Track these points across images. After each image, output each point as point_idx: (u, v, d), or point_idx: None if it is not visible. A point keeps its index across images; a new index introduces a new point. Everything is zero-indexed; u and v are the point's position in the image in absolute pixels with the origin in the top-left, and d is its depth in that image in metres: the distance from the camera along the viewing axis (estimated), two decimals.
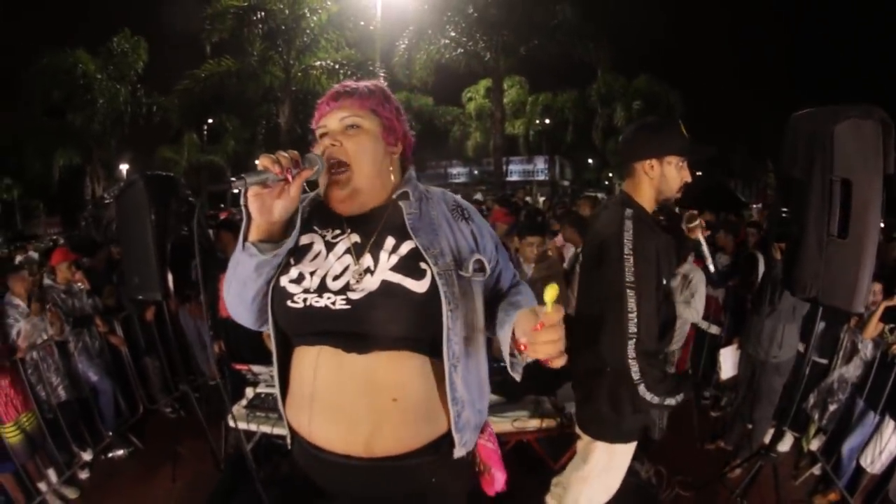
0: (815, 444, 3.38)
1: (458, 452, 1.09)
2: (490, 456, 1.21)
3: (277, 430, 2.56)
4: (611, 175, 30.05)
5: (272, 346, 3.48)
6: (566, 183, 29.62)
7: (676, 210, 1.88)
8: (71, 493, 3.02)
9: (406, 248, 1.08)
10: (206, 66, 13.57)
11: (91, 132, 16.06)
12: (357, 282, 1.04)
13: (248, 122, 21.51)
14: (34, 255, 8.20)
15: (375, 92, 1.14)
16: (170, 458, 3.14)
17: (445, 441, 1.08)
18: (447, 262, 1.07)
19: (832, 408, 3.29)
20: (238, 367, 2.86)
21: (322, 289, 1.05)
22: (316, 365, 1.06)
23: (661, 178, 1.67)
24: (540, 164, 28.14)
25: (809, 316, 3.13)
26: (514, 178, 26.20)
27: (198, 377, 4.44)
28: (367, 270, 1.06)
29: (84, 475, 3.19)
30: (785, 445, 3.45)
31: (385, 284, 1.03)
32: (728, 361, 3.61)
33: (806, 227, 1.98)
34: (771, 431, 3.31)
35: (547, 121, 23.94)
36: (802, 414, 3.46)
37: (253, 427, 2.61)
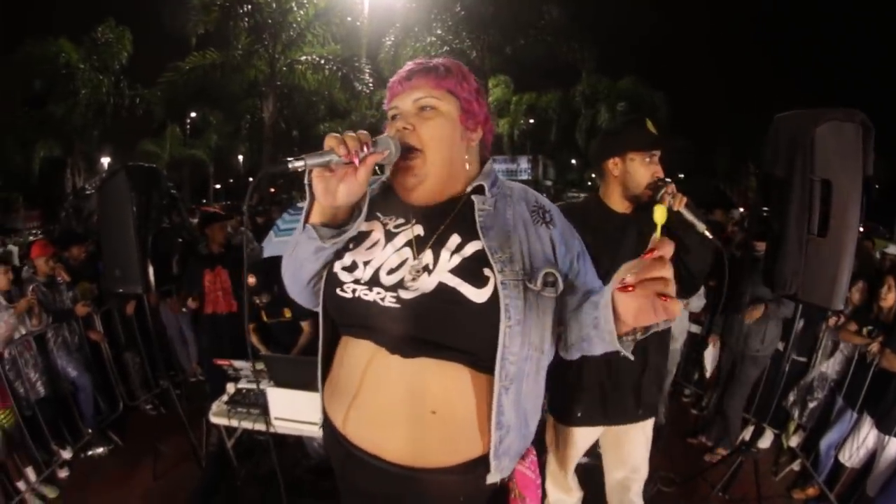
0: (794, 441, 3.43)
1: (492, 478, 0.99)
2: (528, 484, 1.08)
3: (259, 426, 2.54)
4: (593, 176, 30.11)
5: (256, 342, 3.39)
6: (549, 183, 29.71)
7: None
8: (50, 493, 2.95)
9: (471, 248, 0.98)
10: (190, 59, 13.34)
11: (72, 124, 15.65)
12: (413, 279, 0.96)
13: (232, 117, 21.30)
14: (13, 248, 8.01)
15: (453, 70, 1.03)
16: (150, 456, 3.10)
17: (482, 464, 0.98)
18: (516, 269, 0.96)
19: (811, 405, 3.35)
20: (219, 362, 2.83)
21: (373, 282, 0.97)
22: (360, 360, 1.00)
23: (624, 175, 1.71)
24: (523, 163, 28.15)
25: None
26: None
27: (178, 373, 4.40)
28: (425, 268, 0.97)
29: (63, 474, 3.12)
30: (765, 442, 3.50)
31: (441, 287, 0.94)
32: (711, 362, 3.68)
33: (787, 226, 2.03)
34: (750, 428, 3.39)
35: (531, 120, 24.03)
36: (782, 411, 3.52)
37: (234, 423, 2.59)
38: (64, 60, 14.71)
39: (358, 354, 1.01)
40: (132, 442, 3.49)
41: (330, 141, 0.89)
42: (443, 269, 0.96)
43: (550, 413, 1.95)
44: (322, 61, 13.61)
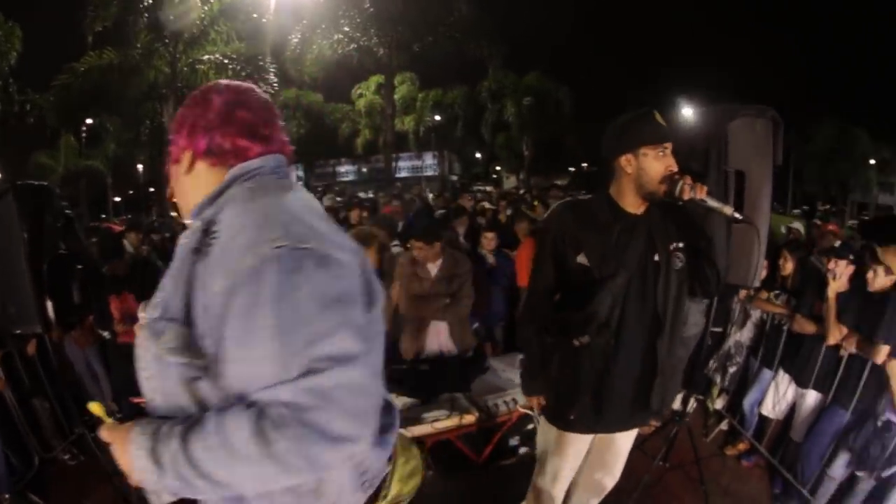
0: (719, 404, 3.76)
1: None
2: None
3: None
4: (498, 168, 31.21)
5: None
6: (454, 177, 30.18)
7: None
8: None
9: None
10: (85, 59, 12.10)
11: None
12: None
13: (131, 123, 19.70)
14: None
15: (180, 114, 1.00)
16: None
17: None
18: (154, 315, 0.86)
19: (732, 370, 3.67)
20: (137, 401, 2.58)
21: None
22: None
23: (639, 171, 1.63)
24: (429, 159, 28.53)
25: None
26: (404, 174, 26.78)
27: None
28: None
29: None
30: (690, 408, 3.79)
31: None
32: None
33: None
34: (679, 397, 3.65)
35: (437, 117, 24.32)
36: (704, 378, 3.81)
37: None
38: None
39: None
40: (56, 499, 3.10)
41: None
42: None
43: (543, 414, 1.88)
44: (226, 61, 12.85)
